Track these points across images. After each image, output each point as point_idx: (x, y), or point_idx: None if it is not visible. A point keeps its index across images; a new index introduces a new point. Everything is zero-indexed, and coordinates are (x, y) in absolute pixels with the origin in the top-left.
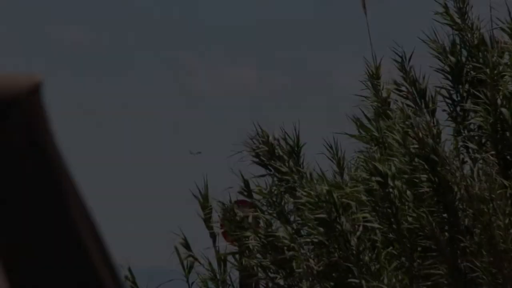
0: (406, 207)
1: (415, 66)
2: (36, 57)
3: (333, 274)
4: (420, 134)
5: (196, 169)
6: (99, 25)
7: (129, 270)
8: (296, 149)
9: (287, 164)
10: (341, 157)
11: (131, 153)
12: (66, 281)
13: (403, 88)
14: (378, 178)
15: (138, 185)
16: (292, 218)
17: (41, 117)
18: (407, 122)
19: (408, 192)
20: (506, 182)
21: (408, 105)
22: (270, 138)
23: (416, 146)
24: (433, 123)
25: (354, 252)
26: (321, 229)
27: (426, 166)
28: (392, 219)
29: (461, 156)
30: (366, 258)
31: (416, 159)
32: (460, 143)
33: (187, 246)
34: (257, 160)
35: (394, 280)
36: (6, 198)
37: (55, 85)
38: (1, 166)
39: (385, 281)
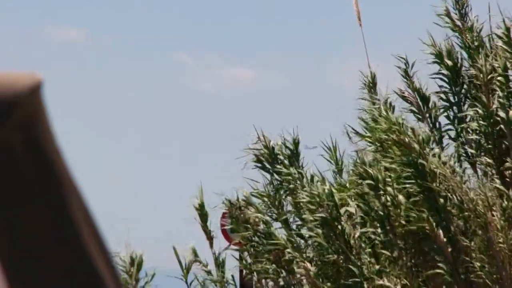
0: (398, 210)
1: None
2: (37, 55)
3: (332, 274)
4: (407, 139)
5: (196, 168)
6: (99, 26)
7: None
8: (295, 151)
9: (287, 167)
10: (340, 158)
11: (131, 153)
12: (66, 282)
13: (406, 94)
14: (370, 181)
15: (139, 184)
16: (291, 219)
17: (42, 117)
18: (397, 127)
19: (400, 197)
20: (504, 188)
21: (412, 111)
22: (272, 142)
23: (405, 151)
24: (427, 128)
25: (355, 251)
26: (321, 230)
27: (414, 171)
28: (386, 222)
29: (461, 159)
30: (366, 258)
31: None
32: (460, 147)
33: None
34: (260, 165)
35: (395, 279)
36: (5, 199)
37: (56, 84)
38: (0, 166)
39: (387, 280)
